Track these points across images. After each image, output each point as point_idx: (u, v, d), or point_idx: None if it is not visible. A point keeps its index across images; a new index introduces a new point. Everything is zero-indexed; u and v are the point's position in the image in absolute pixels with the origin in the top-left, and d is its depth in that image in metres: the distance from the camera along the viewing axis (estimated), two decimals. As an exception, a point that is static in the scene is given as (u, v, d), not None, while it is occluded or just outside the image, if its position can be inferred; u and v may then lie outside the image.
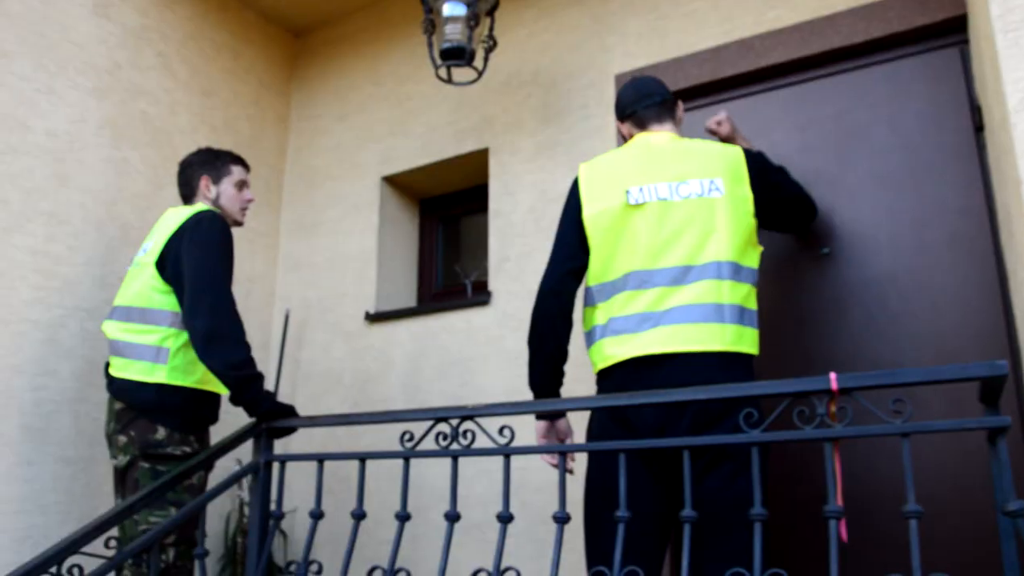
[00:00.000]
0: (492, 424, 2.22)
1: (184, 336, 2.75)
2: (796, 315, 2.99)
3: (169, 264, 2.77)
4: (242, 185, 3.10)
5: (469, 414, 2.18)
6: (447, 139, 3.97)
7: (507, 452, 2.12)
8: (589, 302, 2.44)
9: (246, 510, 3.74)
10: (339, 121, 4.39)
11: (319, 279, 4.22)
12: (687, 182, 2.35)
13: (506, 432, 2.12)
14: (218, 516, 3.74)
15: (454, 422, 2.21)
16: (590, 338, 2.44)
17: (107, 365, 2.85)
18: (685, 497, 1.90)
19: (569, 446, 2.10)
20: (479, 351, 3.62)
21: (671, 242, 2.31)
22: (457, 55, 3.38)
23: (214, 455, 2.60)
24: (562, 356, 2.46)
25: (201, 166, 3.05)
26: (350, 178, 4.26)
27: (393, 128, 4.17)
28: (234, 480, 2.59)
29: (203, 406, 2.84)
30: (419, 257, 4.32)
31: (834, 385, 1.79)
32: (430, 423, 2.25)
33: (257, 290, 4.21)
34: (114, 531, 2.28)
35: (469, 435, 2.18)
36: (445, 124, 3.99)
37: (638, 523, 2.14)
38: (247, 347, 2.70)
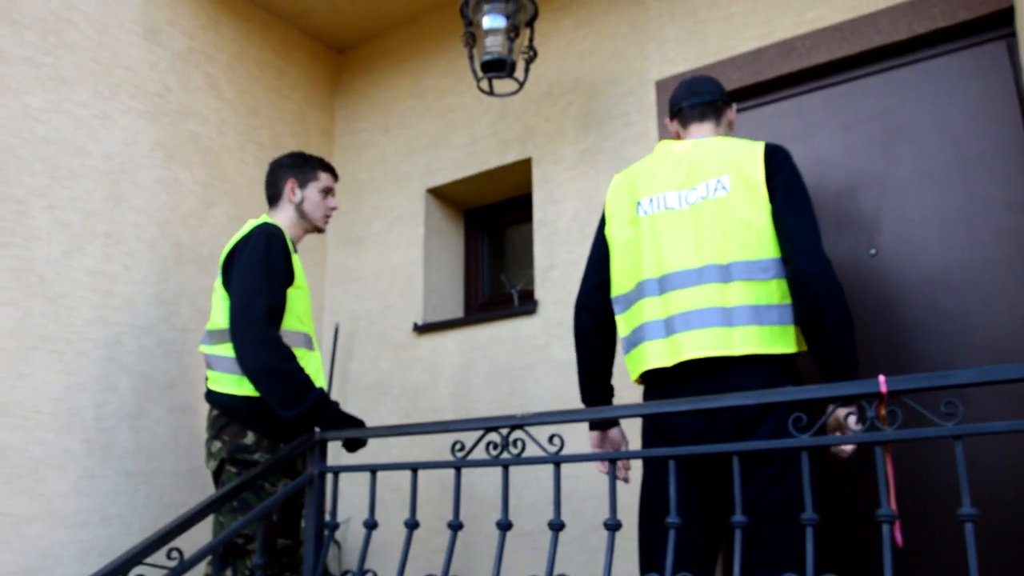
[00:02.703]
0: (541, 433, 2.24)
1: None
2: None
3: (229, 283, 2.82)
4: (327, 192, 3.09)
5: (519, 423, 2.19)
6: (490, 150, 4.01)
7: (557, 460, 2.13)
8: (616, 313, 2.48)
9: (301, 521, 3.80)
10: (383, 135, 4.45)
11: (366, 291, 4.27)
12: (695, 188, 2.32)
13: (556, 440, 2.13)
14: (274, 527, 3.80)
15: (504, 431, 2.23)
16: (624, 348, 2.47)
17: (206, 377, 2.90)
18: (736, 503, 1.90)
19: (618, 453, 2.10)
20: (526, 360, 3.64)
21: (673, 249, 2.30)
22: (498, 67, 3.41)
23: (272, 466, 2.64)
24: (603, 368, 2.50)
25: (289, 169, 3.06)
26: (395, 191, 4.31)
27: (436, 140, 4.22)
28: (292, 490, 2.63)
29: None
30: (465, 268, 4.36)
31: (883, 388, 1.78)
32: (480, 433, 2.27)
33: (307, 304, 4.27)
34: (176, 542, 2.33)
35: (519, 444, 2.20)
36: (487, 135, 4.03)
37: (688, 531, 2.14)
38: (293, 373, 2.68)
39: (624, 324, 2.43)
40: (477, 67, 3.50)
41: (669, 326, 2.27)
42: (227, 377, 2.79)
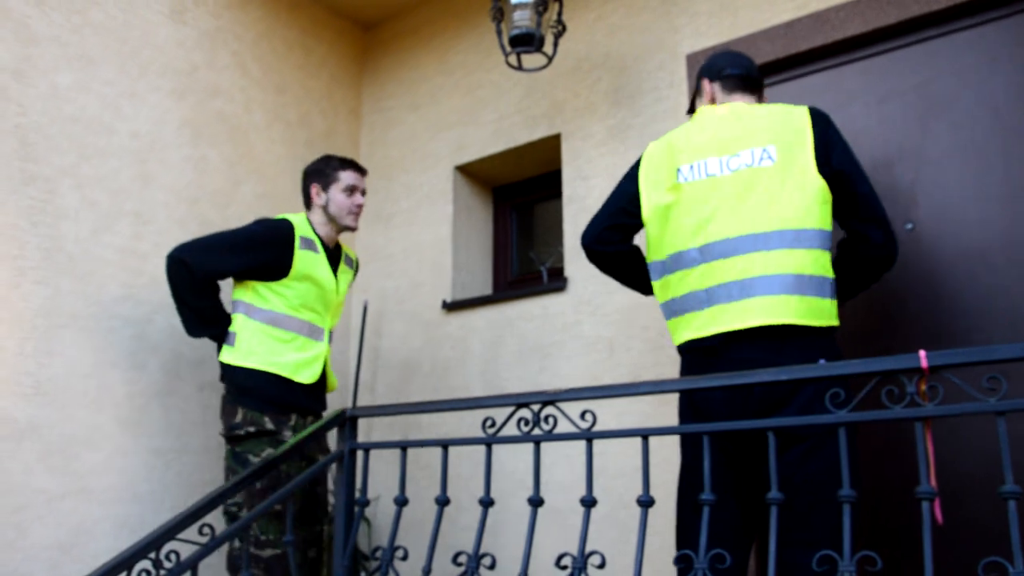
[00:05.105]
0: (573, 409, 2.22)
1: (250, 322, 3.04)
2: (881, 293, 2.91)
3: None
4: (352, 190, 3.21)
5: (551, 399, 2.17)
6: (518, 126, 3.97)
7: (589, 436, 2.11)
8: (652, 279, 2.46)
9: (330, 498, 3.81)
10: (411, 112, 4.42)
11: (396, 269, 4.27)
12: (738, 154, 2.28)
13: (588, 416, 2.11)
14: (304, 504, 3.82)
15: (535, 407, 2.21)
16: (664, 314, 2.46)
17: None
18: (771, 479, 1.87)
19: (651, 429, 2.08)
20: (556, 337, 3.62)
21: (715, 217, 2.26)
22: (526, 41, 3.38)
23: (300, 444, 2.65)
24: (645, 275, 2.54)
25: (311, 175, 3.24)
26: (423, 168, 4.29)
27: (464, 117, 4.19)
28: (321, 468, 2.64)
29: (272, 386, 3.02)
30: (494, 245, 4.33)
31: (924, 363, 1.74)
32: (511, 409, 2.26)
33: (335, 282, 4.28)
34: (208, 518, 2.35)
35: (551, 420, 2.18)
36: (516, 111, 3.99)
37: (721, 509, 2.12)
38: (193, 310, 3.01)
39: (663, 291, 2.41)
40: (505, 42, 3.46)
41: (711, 296, 2.24)
42: (223, 349, 3.05)
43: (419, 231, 4.22)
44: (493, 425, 2.28)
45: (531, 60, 3.64)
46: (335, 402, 3.93)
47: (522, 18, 3.36)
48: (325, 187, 3.20)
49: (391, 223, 4.35)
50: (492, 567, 2.15)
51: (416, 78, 4.44)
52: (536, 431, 2.19)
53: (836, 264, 2.26)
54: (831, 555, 1.74)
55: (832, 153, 2.24)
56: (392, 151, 4.45)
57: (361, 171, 3.27)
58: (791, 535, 2.03)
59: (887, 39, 3.08)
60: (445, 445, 2.38)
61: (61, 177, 3.16)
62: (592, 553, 2.01)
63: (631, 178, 2.50)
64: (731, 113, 2.40)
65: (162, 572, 2.22)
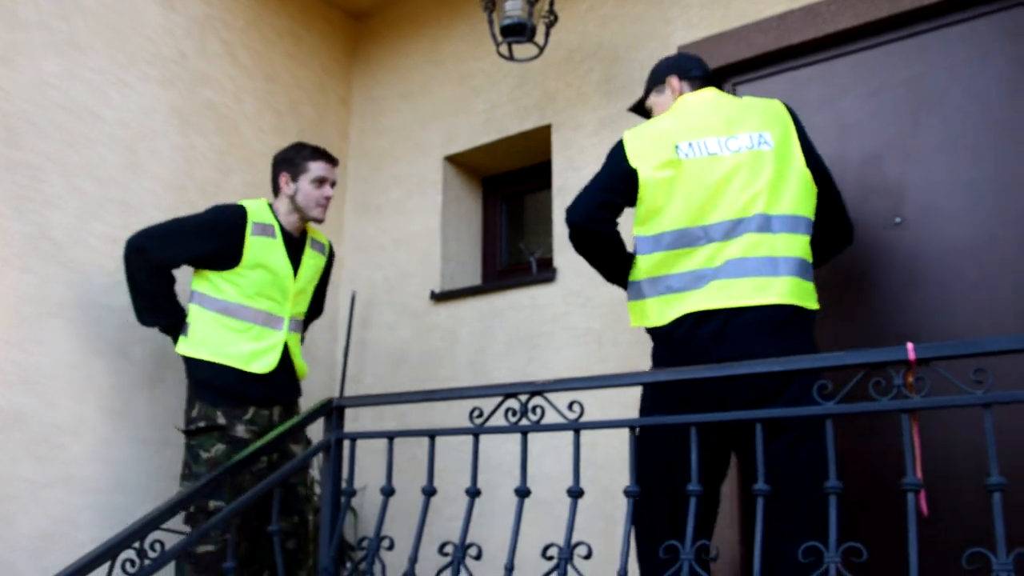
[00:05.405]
0: (561, 400, 2.22)
1: (204, 312, 3.04)
2: (868, 286, 2.92)
3: None
4: (321, 182, 3.16)
5: (538, 389, 2.17)
6: (509, 116, 3.96)
7: (577, 427, 2.11)
8: (641, 252, 2.40)
9: (317, 488, 3.80)
10: (401, 101, 4.40)
11: (384, 260, 4.25)
12: (736, 136, 2.33)
13: (575, 407, 2.11)
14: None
15: (523, 398, 2.21)
16: (634, 292, 2.42)
17: None
18: (758, 471, 1.88)
19: (639, 420, 2.08)
20: (545, 328, 3.61)
21: (720, 196, 2.28)
22: (518, 31, 3.37)
23: (286, 435, 2.64)
24: (625, 263, 2.51)
25: (281, 163, 3.21)
26: (413, 158, 4.27)
27: (455, 107, 4.17)
28: (307, 458, 2.63)
29: (224, 378, 3.00)
30: (483, 235, 4.32)
31: (912, 355, 1.75)
32: (499, 399, 2.25)
33: (324, 272, 4.26)
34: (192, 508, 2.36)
35: (538, 411, 2.18)
36: (507, 101, 3.98)
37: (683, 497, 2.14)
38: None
39: (652, 267, 2.37)
40: (496, 31, 3.45)
41: (717, 273, 2.24)
42: (180, 338, 3.07)
43: (408, 221, 4.20)
44: (481, 415, 2.27)
45: (522, 50, 3.62)
46: (321, 393, 3.92)
47: (514, 8, 3.36)
48: (295, 177, 3.15)
49: (380, 213, 4.33)
50: (478, 557, 2.15)
51: (406, 67, 4.42)
52: (524, 421, 2.19)
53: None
54: (816, 546, 1.74)
55: (810, 148, 2.38)
56: (382, 141, 4.43)
57: (332, 161, 3.23)
58: (778, 526, 2.03)
59: (878, 32, 3.08)
60: (432, 435, 2.37)
61: (47, 164, 3.14)
62: (579, 544, 2.01)
63: (618, 157, 2.45)
64: (715, 98, 2.47)
65: (146, 562, 2.21)
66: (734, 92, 3.35)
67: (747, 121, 2.36)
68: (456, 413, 3.63)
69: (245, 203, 3.11)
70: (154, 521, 2.23)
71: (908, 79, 2.99)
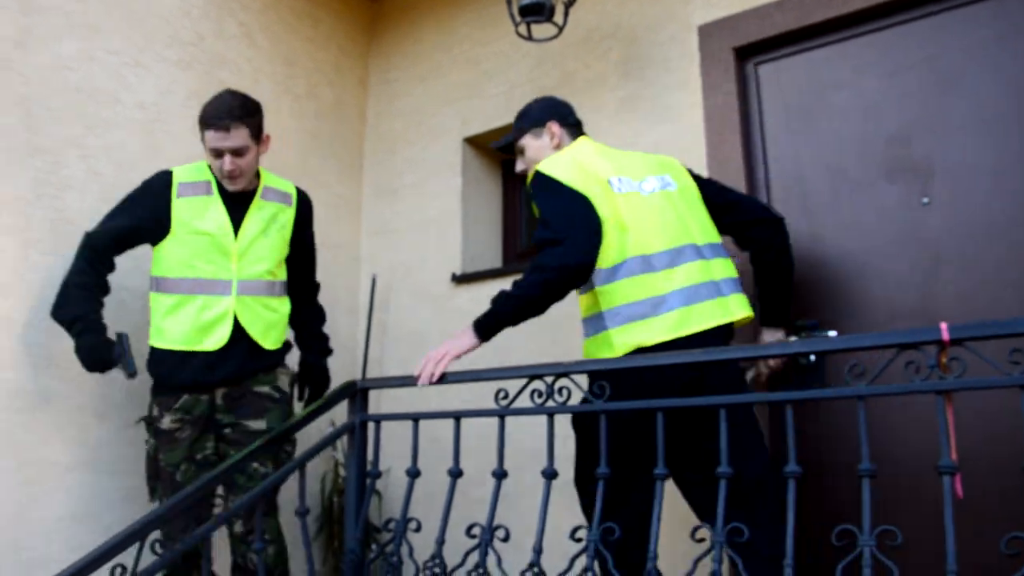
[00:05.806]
0: (586, 382, 2.20)
1: (156, 298, 2.90)
2: (898, 268, 2.88)
3: None
4: (216, 153, 2.81)
5: (564, 371, 2.16)
6: (528, 97, 3.90)
7: (604, 410, 2.10)
8: (598, 284, 2.41)
9: (341, 471, 3.81)
10: (418, 84, 4.37)
11: (404, 242, 4.24)
12: (646, 179, 2.50)
13: (601, 388, 2.10)
14: (314, 477, 3.81)
15: (549, 379, 2.20)
16: (594, 325, 2.43)
17: None
18: (722, 455, 1.92)
19: (666, 401, 2.06)
20: (567, 309, 3.57)
21: (656, 229, 2.39)
22: (536, 11, 3.34)
23: (309, 417, 2.64)
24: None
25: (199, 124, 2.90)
26: (431, 141, 4.25)
27: (473, 89, 4.14)
28: (331, 440, 2.63)
29: (157, 364, 2.90)
30: (503, 217, 4.30)
31: (945, 335, 1.72)
32: (524, 381, 2.24)
33: (343, 255, 4.25)
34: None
35: (564, 392, 2.17)
36: (525, 82, 3.94)
37: (635, 483, 2.26)
38: (65, 286, 2.81)
39: (603, 298, 2.39)
40: (515, 11, 3.42)
41: (673, 300, 2.32)
42: None
43: (428, 204, 4.18)
44: (506, 397, 2.27)
45: (541, 30, 3.59)
46: (343, 376, 3.91)
47: (532, -12, 3.32)
48: (203, 142, 2.85)
49: (398, 196, 4.32)
50: (506, 539, 2.15)
51: (424, 49, 4.39)
52: (550, 403, 2.18)
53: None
54: (851, 529, 1.73)
55: (707, 181, 2.70)
56: (399, 123, 4.40)
57: (223, 128, 2.76)
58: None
59: (902, 11, 3.06)
60: (458, 417, 2.37)
61: (67, 148, 3.13)
62: (608, 526, 2.00)
63: (564, 190, 2.39)
64: (604, 146, 2.67)
65: (176, 545, 2.22)
66: (756, 73, 3.33)
67: (646, 166, 2.55)
68: (479, 395, 3.61)
69: (177, 167, 2.93)
70: (183, 501, 2.24)
71: (931, 57, 2.96)
